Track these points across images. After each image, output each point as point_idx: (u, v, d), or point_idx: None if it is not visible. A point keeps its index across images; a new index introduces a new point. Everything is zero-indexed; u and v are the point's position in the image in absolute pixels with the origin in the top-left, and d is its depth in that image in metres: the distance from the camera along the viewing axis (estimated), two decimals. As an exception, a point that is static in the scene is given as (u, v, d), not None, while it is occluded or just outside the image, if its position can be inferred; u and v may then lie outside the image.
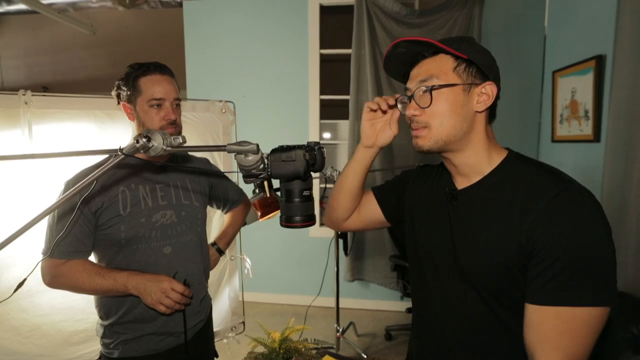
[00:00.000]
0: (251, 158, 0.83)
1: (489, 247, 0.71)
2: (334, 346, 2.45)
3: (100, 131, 1.51)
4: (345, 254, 2.45)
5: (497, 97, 0.74)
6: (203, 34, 3.22)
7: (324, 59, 3.17)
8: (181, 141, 0.88)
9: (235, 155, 0.84)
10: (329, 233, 3.12)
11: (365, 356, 2.39)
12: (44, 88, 4.95)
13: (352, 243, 2.67)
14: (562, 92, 2.48)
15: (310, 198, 0.87)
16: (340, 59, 3.16)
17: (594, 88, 2.11)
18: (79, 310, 1.51)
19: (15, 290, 1.03)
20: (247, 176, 0.86)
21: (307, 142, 0.86)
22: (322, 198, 2.78)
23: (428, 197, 0.88)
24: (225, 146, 0.81)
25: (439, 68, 0.73)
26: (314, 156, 0.84)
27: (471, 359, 0.77)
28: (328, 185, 2.41)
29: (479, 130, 0.75)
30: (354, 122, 2.98)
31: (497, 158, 0.76)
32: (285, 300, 3.35)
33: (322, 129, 3.43)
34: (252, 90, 3.19)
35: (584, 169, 2.26)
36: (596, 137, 2.12)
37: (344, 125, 3.29)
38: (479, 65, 0.73)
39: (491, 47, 2.93)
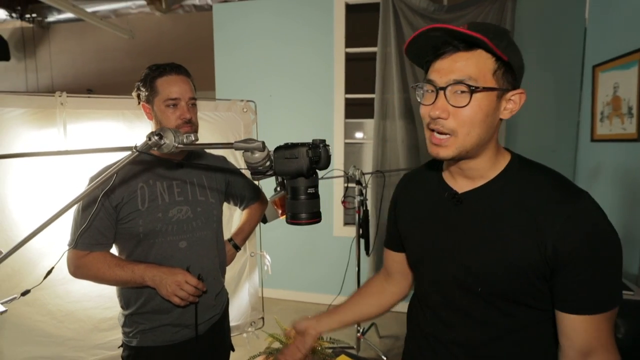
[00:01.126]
0: (257, 155, 0.84)
1: (503, 250, 0.68)
2: (354, 346, 2.43)
3: (128, 130, 1.59)
4: (367, 253, 2.43)
5: None
6: (231, 35, 3.30)
7: (349, 58, 3.15)
8: (193, 139, 0.92)
9: (243, 153, 0.85)
10: (352, 232, 3.10)
11: (384, 358, 2.36)
12: (89, 90, 5.29)
13: (374, 243, 2.65)
14: (603, 87, 2.31)
15: (315, 195, 0.87)
16: (366, 58, 3.13)
17: (638, 83, 1.95)
18: (107, 299, 1.60)
19: (45, 277, 1.12)
20: (254, 173, 0.87)
21: (312, 140, 0.86)
22: (346, 197, 2.77)
23: (421, 205, 0.84)
24: (232, 144, 0.83)
25: (478, 69, 0.64)
26: (318, 154, 0.83)
27: None
28: (350, 185, 2.40)
29: (495, 137, 0.72)
30: (379, 121, 2.94)
31: (503, 162, 0.74)
32: (309, 299, 3.37)
33: (348, 128, 3.42)
34: (279, 90, 3.23)
35: (626, 171, 2.10)
36: (640, 136, 1.96)
37: (369, 125, 3.26)
38: (515, 69, 0.67)
39: (525, 41, 2.80)
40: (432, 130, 0.70)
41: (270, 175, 0.87)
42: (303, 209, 0.86)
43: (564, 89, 2.73)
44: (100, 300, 1.61)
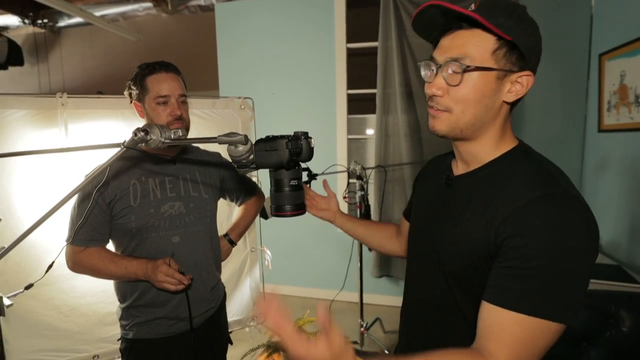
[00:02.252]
0: (241, 149, 0.85)
1: (461, 235, 0.68)
2: (358, 341, 2.44)
3: (127, 129, 1.63)
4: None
5: None
6: (234, 34, 3.33)
7: (351, 53, 3.14)
8: (181, 134, 0.93)
9: (227, 147, 0.87)
10: (357, 228, 3.10)
11: (387, 352, 2.36)
12: (99, 92, 5.40)
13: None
14: (610, 76, 2.25)
15: (299, 187, 0.88)
16: (368, 53, 3.12)
17: (645, 70, 1.90)
18: (111, 294, 1.63)
19: (46, 272, 1.16)
20: (239, 167, 0.89)
21: (294, 132, 0.87)
22: (348, 192, 2.77)
23: (429, 187, 0.87)
24: (216, 138, 0.85)
25: (476, 48, 0.62)
26: (300, 146, 0.84)
27: (428, 336, 0.79)
28: (352, 180, 2.40)
29: (499, 121, 0.68)
30: (382, 116, 2.93)
31: (503, 149, 0.70)
32: (314, 294, 3.39)
33: (355, 124, 3.41)
34: (281, 88, 3.25)
35: (634, 160, 2.04)
36: (647, 125, 1.91)
37: (372, 120, 3.25)
38: (522, 49, 0.62)
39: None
40: (432, 108, 0.70)
41: (254, 169, 0.89)
42: (286, 200, 0.87)
43: (571, 79, 2.67)
44: (104, 295, 1.65)
